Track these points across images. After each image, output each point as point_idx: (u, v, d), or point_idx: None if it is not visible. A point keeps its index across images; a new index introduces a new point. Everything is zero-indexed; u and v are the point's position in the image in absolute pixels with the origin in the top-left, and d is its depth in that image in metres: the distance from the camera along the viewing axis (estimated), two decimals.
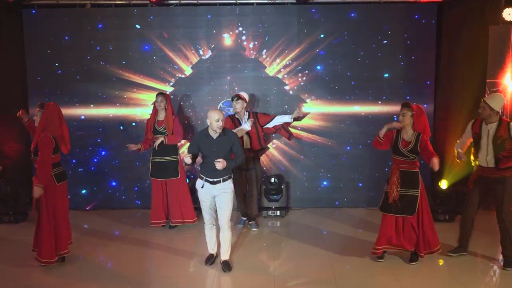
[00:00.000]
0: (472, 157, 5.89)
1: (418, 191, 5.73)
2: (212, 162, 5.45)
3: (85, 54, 7.93)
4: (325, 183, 8.20)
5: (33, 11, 7.88)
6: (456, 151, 5.93)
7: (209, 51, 7.95)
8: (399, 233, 5.90)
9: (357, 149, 8.09)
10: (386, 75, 7.94)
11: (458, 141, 6.03)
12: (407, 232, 5.87)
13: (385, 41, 7.85)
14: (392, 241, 5.91)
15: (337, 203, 8.21)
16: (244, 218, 7.46)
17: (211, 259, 5.97)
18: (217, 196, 5.62)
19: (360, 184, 8.17)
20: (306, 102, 8.03)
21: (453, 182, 7.38)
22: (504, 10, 7.35)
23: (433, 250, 5.92)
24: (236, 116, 7.11)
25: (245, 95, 7.15)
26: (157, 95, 7.06)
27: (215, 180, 5.56)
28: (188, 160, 5.42)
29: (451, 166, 7.37)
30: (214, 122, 5.47)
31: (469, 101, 7.34)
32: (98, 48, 7.93)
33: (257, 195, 7.37)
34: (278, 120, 7.20)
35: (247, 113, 7.15)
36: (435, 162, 5.49)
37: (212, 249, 5.98)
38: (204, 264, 5.94)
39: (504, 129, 5.60)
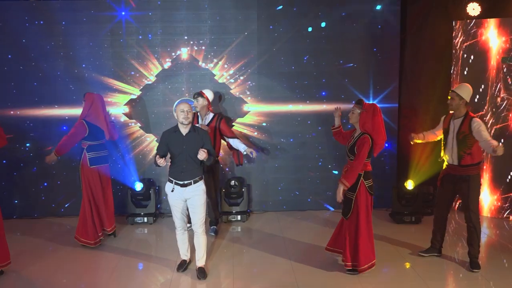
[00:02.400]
0: (442, 154, 5.80)
1: (353, 194, 5.40)
2: (181, 162, 5.21)
3: None
4: (288, 184, 7.92)
5: None
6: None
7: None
8: (338, 234, 5.75)
9: (318, 149, 7.84)
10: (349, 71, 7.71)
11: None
12: (341, 236, 5.66)
13: (346, 36, 7.61)
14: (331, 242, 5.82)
15: (301, 205, 7.95)
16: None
17: (183, 266, 5.71)
18: (189, 199, 5.33)
19: (329, 193, 7.90)
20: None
21: (420, 183, 7.20)
22: (468, 5, 7.26)
23: (360, 267, 5.47)
24: (198, 114, 6.74)
25: (208, 93, 6.75)
26: None
27: (185, 182, 5.26)
28: (161, 162, 5.13)
29: (417, 166, 7.20)
30: (180, 113, 5.18)
31: (434, 98, 7.22)
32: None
33: (217, 199, 7.04)
34: (235, 143, 6.73)
35: (212, 114, 6.74)
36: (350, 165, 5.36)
37: (184, 255, 5.72)
38: (176, 271, 5.68)
39: (466, 125, 5.52)
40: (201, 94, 6.63)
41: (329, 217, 7.59)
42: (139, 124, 7.60)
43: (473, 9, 7.25)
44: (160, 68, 7.58)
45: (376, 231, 6.52)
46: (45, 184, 7.64)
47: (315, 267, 5.79)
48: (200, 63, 7.59)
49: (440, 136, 5.88)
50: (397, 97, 7.71)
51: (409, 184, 7.22)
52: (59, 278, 5.62)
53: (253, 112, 7.74)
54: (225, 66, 7.61)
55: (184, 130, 5.25)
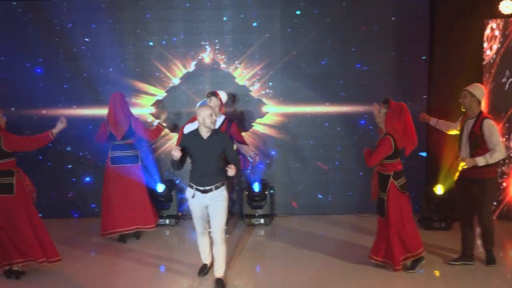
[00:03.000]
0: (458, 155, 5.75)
1: (385, 195, 5.47)
2: (202, 167, 5.02)
3: None
4: (311, 187, 7.74)
5: None
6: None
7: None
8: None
9: (347, 152, 7.64)
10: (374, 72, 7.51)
11: None
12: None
13: (373, 36, 7.41)
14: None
15: (325, 208, 7.75)
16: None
17: (204, 270, 5.60)
18: (210, 206, 5.11)
19: (350, 193, 7.72)
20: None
21: (450, 187, 6.92)
22: (500, 3, 7.00)
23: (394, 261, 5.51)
24: None
25: (222, 94, 6.55)
26: None
27: (206, 188, 5.06)
28: (177, 153, 4.84)
29: (448, 170, 6.93)
30: (207, 118, 4.96)
31: None
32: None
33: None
34: (245, 150, 6.49)
35: (224, 116, 6.56)
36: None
37: (206, 259, 5.60)
38: (198, 276, 5.57)
39: (478, 126, 5.42)
40: (215, 94, 6.42)
41: (354, 222, 7.38)
42: (164, 124, 7.53)
43: (507, 7, 6.99)
44: (183, 70, 7.50)
45: None
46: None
47: (342, 274, 5.62)
48: (222, 64, 7.48)
49: (451, 132, 5.88)
50: (425, 98, 7.49)
51: (439, 189, 6.97)
52: (78, 281, 5.55)
53: (274, 113, 7.61)
54: (247, 66, 7.48)
55: (205, 134, 5.05)
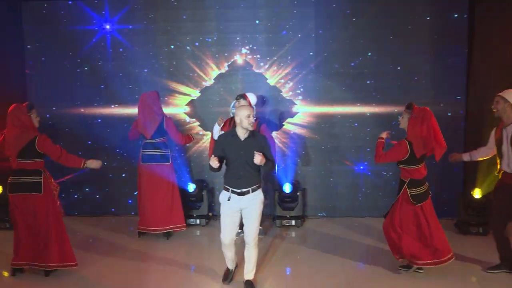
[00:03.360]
0: (497, 168, 5.49)
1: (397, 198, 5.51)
2: (238, 169, 4.90)
3: None
4: (344, 189, 7.63)
5: None
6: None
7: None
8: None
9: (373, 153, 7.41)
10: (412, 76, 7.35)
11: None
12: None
13: (408, 35, 7.26)
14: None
15: (358, 211, 7.63)
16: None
17: (229, 276, 5.41)
18: (245, 209, 4.98)
19: (380, 194, 7.56)
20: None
21: (488, 192, 6.68)
22: None
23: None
24: None
25: (251, 96, 6.43)
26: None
27: (243, 190, 4.92)
28: (214, 163, 4.83)
29: (486, 173, 6.69)
30: (245, 119, 4.84)
31: None
32: None
33: None
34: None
35: (254, 119, 6.52)
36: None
37: (231, 264, 5.42)
38: (222, 283, 5.40)
39: None
40: (243, 97, 6.33)
41: None
42: (197, 123, 7.58)
43: None
44: (216, 69, 7.51)
45: None
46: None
47: (373, 280, 5.48)
48: (254, 64, 7.46)
49: (492, 154, 5.57)
50: (459, 99, 7.28)
51: (477, 193, 6.74)
52: (104, 279, 5.57)
53: (306, 113, 7.54)
54: (280, 65, 7.43)
55: (242, 135, 4.92)
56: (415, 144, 5.21)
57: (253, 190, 4.95)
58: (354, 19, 7.26)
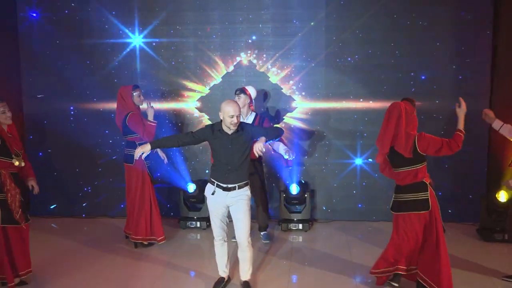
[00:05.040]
0: None
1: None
2: (226, 163, 4.72)
3: None
4: (356, 191, 7.14)
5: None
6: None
7: None
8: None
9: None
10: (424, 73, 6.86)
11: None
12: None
13: (425, 26, 6.77)
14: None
15: (370, 214, 7.14)
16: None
17: (221, 284, 5.08)
18: (232, 206, 4.82)
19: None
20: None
21: None
22: None
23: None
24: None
25: (251, 90, 6.19)
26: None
27: (229, 186, 4.76)
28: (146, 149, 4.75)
29: None
30: (227, 118, 4.62)
31: None
32: None
33: (266, 201, 6.44)
34: (277, 147, 5.91)
35: (255, 114, 6.14)
36: None
37: (223, 271, 5.12)
38: None
39: None
40: (243, 91, 6.06)
41: None
42: (207, 116, 7.25)
43: None
44: (221, 65, 7.15)
45: (458, 248, 5.79)
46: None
47: None
48: (260, 59, 7.07)
49: None
50: (488, 97, 6.75)
51: (502, 196, 6.17)
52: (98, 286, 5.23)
53: (313, 108, 7.09)
54: (287, 58, 7.02)
55: (229, 130, 4.71)
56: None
57: (240, 187, 4.78)
58: (365, 9, 6.82)
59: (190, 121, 7.27)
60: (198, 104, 7.29)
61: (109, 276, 5.44)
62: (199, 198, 6.89)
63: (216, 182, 4.78)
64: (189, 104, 7.27)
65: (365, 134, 7.02)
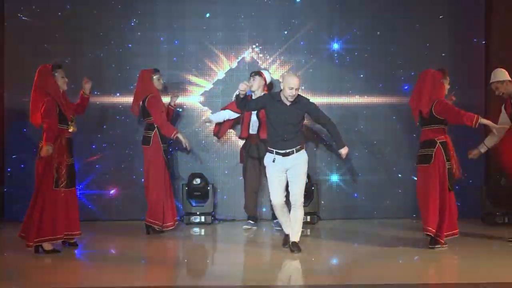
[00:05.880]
0: None
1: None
2: (282, 131, 5.08)
3: None
4: (362, 188, 7.21)
5: None
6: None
7: None
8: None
9: (400, 148, 7.15)
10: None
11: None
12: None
13: (425, 21, 7.17)
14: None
15: (375, 212, 7.20)
16: (252, 222, 6.57)
17: (288, 240, 5.37)
18: (290, 169, 5.15)
19: (399, 190, 7.18)
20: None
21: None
22: None
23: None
24: (253, 95, 6.30)
25: (266, 74, 6.46)
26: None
27: (287, 151, 5.10)
28: (243, 87, 5.07)
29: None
30: (287, 89, 4.99)
31: None
32: None
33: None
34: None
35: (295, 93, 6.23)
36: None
37: (287, 228, 5.39)
38: (283, 247, 5.41)
39: None
40: (259, 73, 6.33)
41: (414, 225, 6.56)
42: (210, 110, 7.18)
43: None
44: (223, 58, 7.18)
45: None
46: None
47: None
48: (263, 55, 7.17)
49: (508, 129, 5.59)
50: (483, 88, 7.13)
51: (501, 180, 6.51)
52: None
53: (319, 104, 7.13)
54: (289, 52, 7.16)
55: (287, 101, 5.09)
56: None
57: (297, 151, 5.13)
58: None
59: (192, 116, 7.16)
60: (202, 99, 7.21)
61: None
62: (204, 192, 6.71)
63: (275, 150, 5.11)
64: (192, 98, 7.17)
65: (361, 126, 7.18)
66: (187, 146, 6.16)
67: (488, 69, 7.10)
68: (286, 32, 7.16)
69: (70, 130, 5.24)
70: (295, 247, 5.22)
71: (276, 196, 5.18)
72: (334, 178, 7.19)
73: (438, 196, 5.27)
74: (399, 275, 4.55)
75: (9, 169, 6.91)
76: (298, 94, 5.08)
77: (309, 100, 5.24)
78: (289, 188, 5.18)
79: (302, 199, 5.21)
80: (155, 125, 6.06)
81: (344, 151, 5.14)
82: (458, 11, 7.18)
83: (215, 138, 7.01)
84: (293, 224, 5.23)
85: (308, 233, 6.39)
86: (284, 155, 5.08)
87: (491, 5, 7.18)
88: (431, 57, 7.09)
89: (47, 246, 5.12)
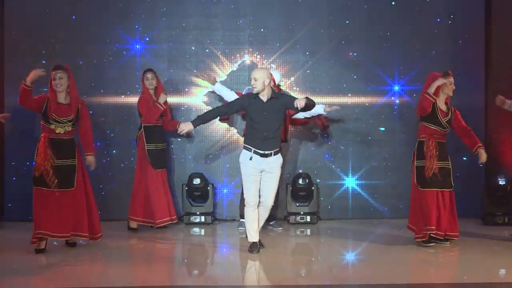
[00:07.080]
0: None
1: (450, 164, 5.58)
2: (261, 130, 5.04)
3: None
4: (362, 188, 7.20)
5: None
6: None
7: None
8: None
9: (400, 148, 7.12)
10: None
11: None
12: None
13: (419, 18, 7.16)
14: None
15: (376, 212, 7.19)
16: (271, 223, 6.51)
17: (256, 247, 5.23)
18: (265, 172, 5.12)
19: (399, 190, 7.11)
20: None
21: None
22: None
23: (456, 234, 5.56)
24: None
25: (275, 73, 6.41)
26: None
27: (266, 152, 5.06)
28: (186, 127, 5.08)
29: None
30: (267, 79, 5.05)
31: None
32: None
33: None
34: (315, 110, 5.78)
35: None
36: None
37: (255, 237, 5.23)
38: (251, 254, 5.19)
39: None
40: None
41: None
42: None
43: None
44: (224, 59, 7.17)
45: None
46: None
47: None
48: (262, 55, 7.16)
49: None
50: (483, 89, 7.15)
51: (501, 179, 6.53)
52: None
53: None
54: (290, 53, 7.14)
55: (264, 97, 5.07)
56: None
57: (275, 153, 5.13)
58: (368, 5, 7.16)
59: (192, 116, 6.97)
60: (205, 99, 7.19)
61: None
62: (204, 192, 6.69)
63: (253, 148, 5.05)
64: (192, 98, 7.16)
65: (363, 125, 7.16)
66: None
67: (488, 71, 7.18)
68: (286, 32, 7.13)
69: (57, 131, 5.15)
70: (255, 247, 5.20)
71: (254, 196, 5.12)
72: (334, 178, 7.17)
73: (414, 194, 5.55)
74: (399, 275, 4.58)
75: (9, 169, 6.91)
76: (278, 92, 5.19)
77: (288, 94, 5.27)
78: (261, 190, 5.14)
79: (273, 202, 5.24)
80: (142, 124, 6.27)
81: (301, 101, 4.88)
82: (457, 12, 7.16)
83: (215, 138, 7.05)
84: (260, 222, 5.25)
85: (308, 233, 6.42)
86: (262, 155, 5.03)
87: (491, 6, 7.16)
88: (430, 58, 7.09)
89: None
